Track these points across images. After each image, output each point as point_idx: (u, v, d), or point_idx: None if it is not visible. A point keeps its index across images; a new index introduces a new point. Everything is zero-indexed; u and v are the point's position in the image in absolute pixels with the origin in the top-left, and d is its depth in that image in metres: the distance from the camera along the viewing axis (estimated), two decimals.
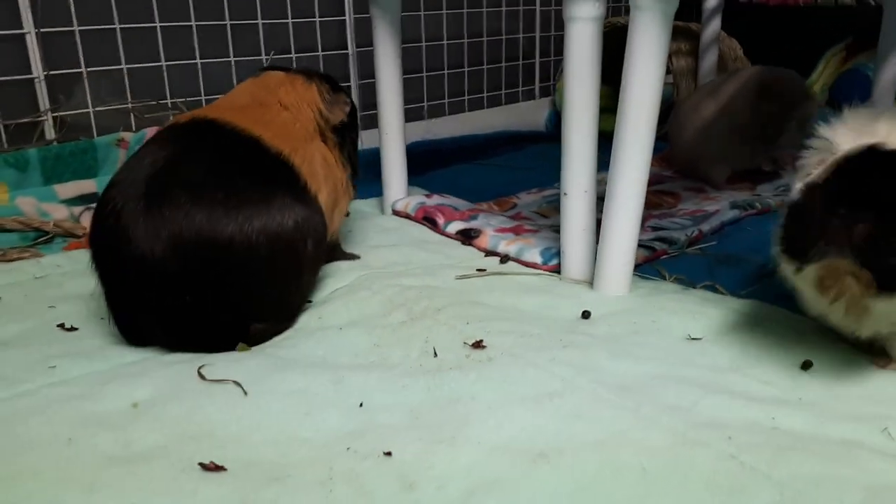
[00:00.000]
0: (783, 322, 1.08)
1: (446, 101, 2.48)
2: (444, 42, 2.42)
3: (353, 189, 1.34)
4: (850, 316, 0.87)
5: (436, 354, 0.98)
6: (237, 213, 1.01)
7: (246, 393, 0.91)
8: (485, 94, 2.58)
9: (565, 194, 1.28)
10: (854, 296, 0.84)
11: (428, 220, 1.60)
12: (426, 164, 2.20)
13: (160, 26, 1.81)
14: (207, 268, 1.00)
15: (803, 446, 0.78)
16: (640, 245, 1.47)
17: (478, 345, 0.99)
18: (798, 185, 0.89)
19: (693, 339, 1.03)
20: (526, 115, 2.67)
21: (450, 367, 0.95)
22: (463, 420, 0.84)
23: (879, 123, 0.90)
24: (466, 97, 2.54)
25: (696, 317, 1.08)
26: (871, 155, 0.83)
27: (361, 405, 0.88)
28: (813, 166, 0.90)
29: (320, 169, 1.18)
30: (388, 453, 0.78)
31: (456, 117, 2.51)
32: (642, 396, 0.87)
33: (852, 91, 2.36)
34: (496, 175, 2.17)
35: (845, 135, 0.89)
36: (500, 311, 1.12)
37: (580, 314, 1.12)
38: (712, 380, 0.91)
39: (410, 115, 2.40)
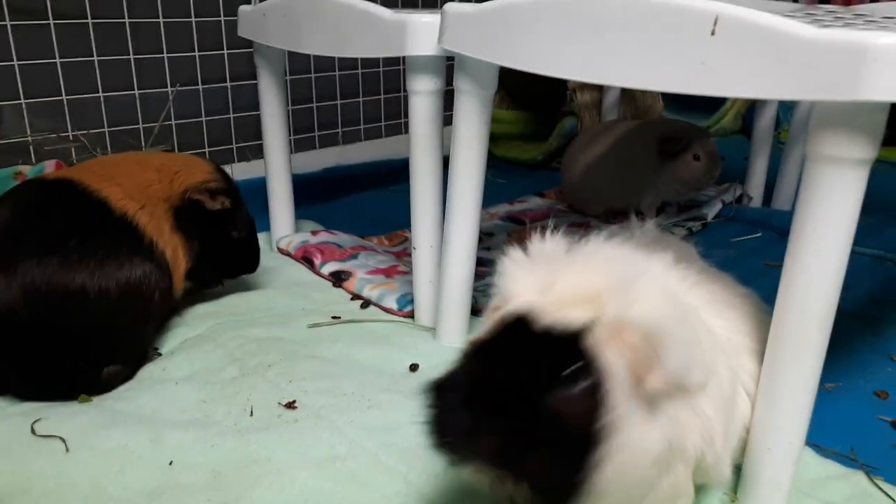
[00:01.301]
0: None
1: (362, 126, 2.56)
2: (359, 71, 2.49)
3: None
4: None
5: (252, 414, 1.07)
6: (85, 266, 1.11)
7: (68, 449, 0.99)
8: (402, 120, 2.66)
9: (414, 248, 1.37)
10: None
11: (306, 260, 1.68)
12: (337, 191, 2.28)
13: (60, 62, 1.87)
14: (60, 317, 1.09)
15: None
16: None
17: (290, 405, 1.08)
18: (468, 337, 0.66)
19: None
20: (448, 139, 2.74)
21: (259, 427, 1.03)
22: (253, 482, 0.93)
23: (572, 264, 0.64)
24: (383, 123, 2.62)
25: None
26: (520, 331, 0.61)
27: (171, 464, 0.97)
28: (489, 316, 0.67)
29: (167, 228, 1.27)
30: None
31: (372, 143, 2.59)
32: (418, 461, 0.96)
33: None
34: (406, 202, 2.25)
35: (525, 279, 0.64)
36: (331, 365, 1.21)
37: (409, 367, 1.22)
38: None
39: (325, 141, 2.48)
